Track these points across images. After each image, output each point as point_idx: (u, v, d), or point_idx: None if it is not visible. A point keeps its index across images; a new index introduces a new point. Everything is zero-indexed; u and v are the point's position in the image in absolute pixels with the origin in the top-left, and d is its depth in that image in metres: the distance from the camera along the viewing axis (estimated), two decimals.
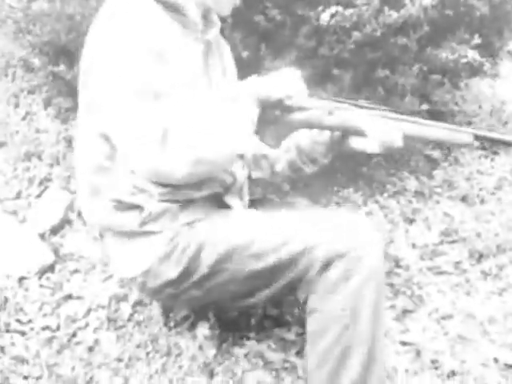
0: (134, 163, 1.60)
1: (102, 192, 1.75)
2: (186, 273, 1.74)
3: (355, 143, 1.83)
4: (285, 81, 1.71)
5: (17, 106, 3.11)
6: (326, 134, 1.89)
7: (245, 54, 2.54)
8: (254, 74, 1.75)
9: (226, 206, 1.83)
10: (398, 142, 1.73)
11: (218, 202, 1.82)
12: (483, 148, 3.35)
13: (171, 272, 1.75)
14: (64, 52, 2.78)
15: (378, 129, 1.72)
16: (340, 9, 2.57)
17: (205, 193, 1.76)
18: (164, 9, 1.69)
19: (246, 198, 1.96)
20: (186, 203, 1.74)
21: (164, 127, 1.52)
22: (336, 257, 1.60)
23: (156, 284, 1.79)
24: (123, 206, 1.73)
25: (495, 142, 1.79)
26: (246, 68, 2.07)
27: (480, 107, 3.77)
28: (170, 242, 1.74)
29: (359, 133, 1.77)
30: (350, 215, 1.91)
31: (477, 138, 1.75)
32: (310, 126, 1.80)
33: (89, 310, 2.16)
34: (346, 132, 1.82)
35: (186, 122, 1.56)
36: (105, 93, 1.59)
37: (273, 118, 1.74)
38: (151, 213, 1.71)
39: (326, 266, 1.61)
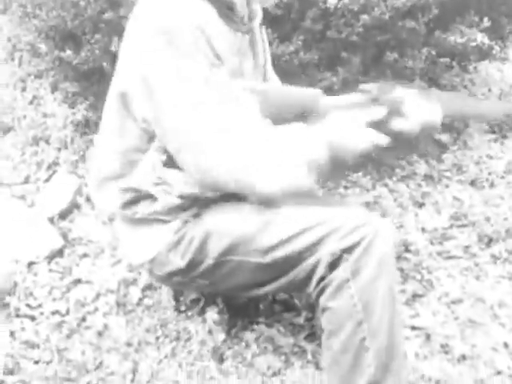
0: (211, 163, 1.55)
1: (120, 179, 1.74)
2: (193, 263, 1.73)
3: (395, 124, 1.78)
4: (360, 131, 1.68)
5: (24, 90, 3.11)
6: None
7: None
8: None
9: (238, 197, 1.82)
10: (438, 122, 1.68)
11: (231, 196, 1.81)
12: (493, 132, 3.34)
13: (178, 262, 1.74)
14: (70, 37, 2.77)
15: (419, 108, 1.68)
16: None
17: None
18: (210, 3, 1.62)
19: None
20: (197, 199, 1.73)
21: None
22: (343, 252, 1.57)
23: (163, 272, 1.79)
24: (138, 195, 1.73)
25: None
26: None
27: (489, 90, 3.75)
28: (177, 231, 1.73)
29: (400, 113, 1.72)
30: (354, 209, 1.87)
31: None
32: None
33: (98, 295, 2.16)
34: (388, 115, 1.77)
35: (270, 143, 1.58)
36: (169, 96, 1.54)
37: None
38: (165, 206, 1.70)
39: (334, 262, 1.58)
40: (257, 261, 1.67)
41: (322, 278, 1.61)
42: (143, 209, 1.73)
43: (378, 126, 1.78)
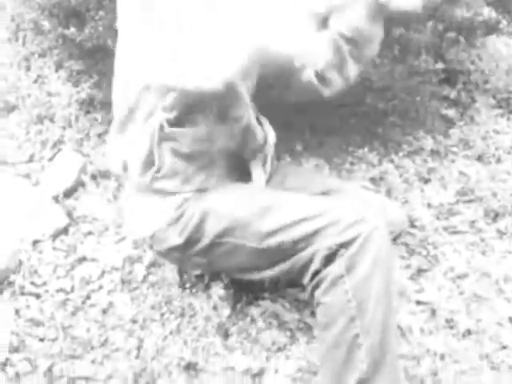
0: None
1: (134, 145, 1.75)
2: (190, 241, 1.75)
3: (395, 4, 1.73)
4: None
5: (28, 69, 3.10)
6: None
7: None
8: None
9: (244, 179, 1.82)
10: None
11: (237, 171, 1.80)
12: (500, 107, 3.31)
13: (177, 238, 1.76)
14: (74, 14, 2.75)
15: None
16: None
17: (232, 144, 1.75)
18: None
19: (269, 167, 1.94)
20: (202, 167, 1.73)
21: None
22: (340, 246, 1.57)
23: (162, 247, 1.80)
24: (148, 159, 1.73)
25: None
26: None
27: (496, 66, 3.71)
28: (178, 208, 1.74)
29: None
30: (354, 201, 1.86)
31: None
32: None
33: (103, 272, 2.16)
34: None
35: None
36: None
37: None
38: (161, 168, 1.70)
39: (330, 256, 1.58)
40: (252, 245, 1.68)
41: (317, 272, 1.61)
42: (151, 174, 1.74)
43: (379, 9, 1.73)
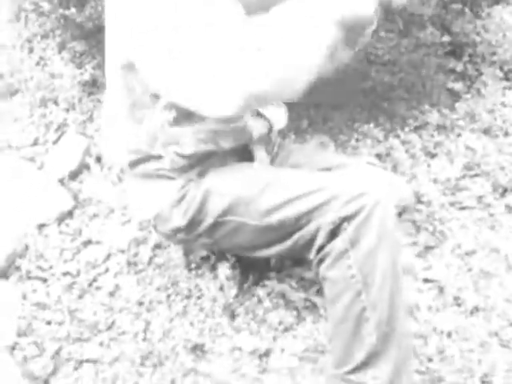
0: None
1: (129, 137, 1.74)
2: (194, 221, 1.74)
3: None
4: None
5: (31, 51, 3.08)
6: None
7: None
8: None
9: (247, 158, 1.81)
10: None
11: (239, 154, 1.79)
12: (507, 79, 3.27)
13: (180, 219, 1.75)
14: None
15: None
16: None
17: (236, 144, 1.74)
18: None
19: (275, 148, 1.92)
20: (206, 158, 1.73)
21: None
22: (343, 220, 1.54)
23: (166, 229, 1.80)
24: (147, 156, 1.73)
25: None
26: None
27: (503, 36, 3.67)
28: (180, 189, 1.74)
29: None
30: (357, 174, 1.84)
31: None
32: None
33: (108, 255, 2.16)
34: None
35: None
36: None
37: None
38: (172, 166, 1.70)
39: (334, 230, 1.55)
40: (255, 223, 1.67)
41: (322, 247, 1.59)
42: (150, 166, 1.74)
43: None
